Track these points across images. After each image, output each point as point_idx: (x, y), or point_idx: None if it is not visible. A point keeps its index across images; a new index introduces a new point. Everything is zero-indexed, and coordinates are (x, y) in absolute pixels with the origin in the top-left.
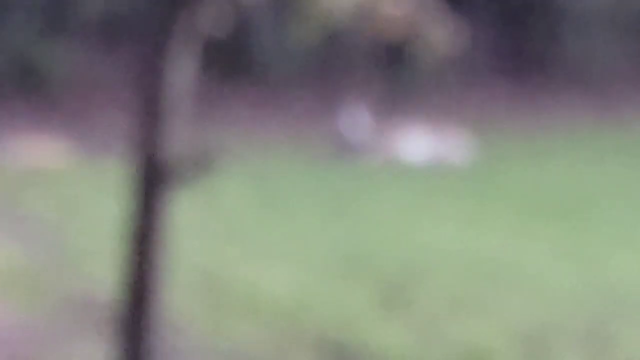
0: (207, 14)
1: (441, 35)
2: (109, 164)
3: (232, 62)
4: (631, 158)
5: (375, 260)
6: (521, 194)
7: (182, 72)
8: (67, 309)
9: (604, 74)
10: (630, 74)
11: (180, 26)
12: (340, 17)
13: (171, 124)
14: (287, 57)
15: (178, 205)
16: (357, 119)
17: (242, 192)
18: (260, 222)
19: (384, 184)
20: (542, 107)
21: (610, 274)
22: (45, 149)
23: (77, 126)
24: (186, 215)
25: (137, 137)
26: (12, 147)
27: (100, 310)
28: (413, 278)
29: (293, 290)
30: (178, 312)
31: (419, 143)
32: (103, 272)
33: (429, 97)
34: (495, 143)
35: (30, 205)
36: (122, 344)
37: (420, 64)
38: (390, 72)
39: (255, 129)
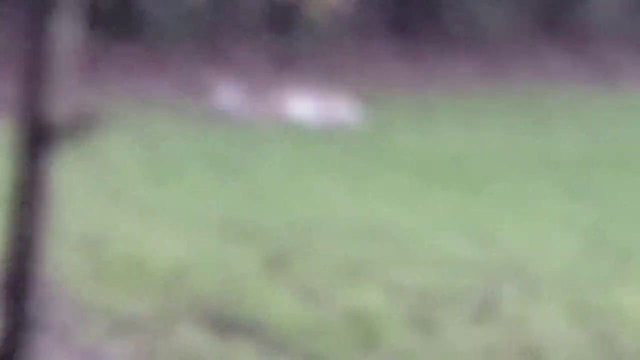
0: None
1: None
2: None
3: (119, 22)
4: (521, 119)
5: (263, 222)
6: (411, 159)
7: (67, 31)
8: None
9: (492, 35)
10: (517, 34)
11: None
12: None
13: (54, 85)
14: (175, 17)
15: (62, 166)
16: (237, 80)
17: (127, 153)
18: (145, 184)
19: (272, 146)
20: (432, 68)
21: (502, 241)
22: None
23: None
24: (70, 176)
25: (20, 98)
26: None
27: None
28: (301, 241)
29: (177, 252)
30: (61, 273)
31: (307, 105)
32: None
33: (320, 59)
34: (386, 106)
35: None
36: (6, 305)
37: (311, 24)
38: (280, 33)
39: (141, 90)
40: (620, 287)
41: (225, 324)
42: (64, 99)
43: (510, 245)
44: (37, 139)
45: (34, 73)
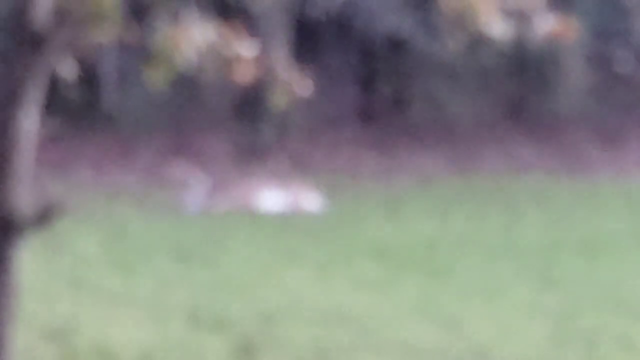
0: (57, 59)
1: (293, 80)
2: None
3: (88, 114)
4: (489, 207)
5: (230, 311)
6: (378, 246)
7: (33, 123)
8: None
9: (460, 124)
10: (485, 123)
11: (30, 71)
12: (189, 59)
13: (20, 176)
14: (142, 109)
15: (23, 256)
16: (204, 171)
17: (89, 242)
18: (108, 273)
19: (238, 237)
20: (400, 157)
21: (468, 328)
22: None
23: None
24: (37, 265)
25: None
26: None
27: None
28: (268, 330)
29: (145, 341)
30: None
31: (274, 195)
32: None
33: (286, 148)
34: (354, 195)
35: None
36: None
37: (277, 114)
38: (247, 123)
39: (102, 177)
40: None
41: None
42: (25, 188)
43: (477, 332)
44: (2, 229)
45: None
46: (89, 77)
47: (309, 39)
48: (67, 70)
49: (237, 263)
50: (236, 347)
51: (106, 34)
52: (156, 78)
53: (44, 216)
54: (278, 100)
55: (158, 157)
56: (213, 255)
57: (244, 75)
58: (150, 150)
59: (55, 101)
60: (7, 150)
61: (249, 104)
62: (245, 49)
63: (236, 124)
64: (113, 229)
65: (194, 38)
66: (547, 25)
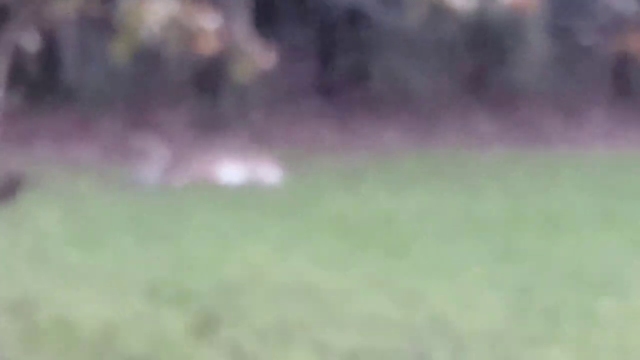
0: (19, 33)
1: (255, 52)
2: None
3: (46, 87)
4: (449, 182)
5: (190, 285)
6: (337, 220)
7: None
8: None
9: (419, 98)
10: (445, 97)
11: None
12: (152, 32)
13: None
14: (101, 82)
15: None
16: (164, 145)
17: (49, 217)
18: (69, 248)
19: (197, 210)
20: (360, 131)
21: (429, 302)
22: None
23: None
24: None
25: None
26: None
27: None
28: (225, 302)
29: (102, 316)
30: None
31: (233, 169)
32: None
33: (246, 121)
34: (313, 169)
35: None
36: None
37: (238, 86)
38: (207, 95)
39: (63, 152)
40: (548, 346)
41: None
42: None
43: (437, 305)
44: None
45: None
46: (49, 51)
47: (268, 12)
48: (29, 43)
49: (197, 237)
50: (197, 320)
51: (68, 8)
52: (120, 52)
53: (6, 191)
54: (240, 72)
55: (119, 131)
56: (173, 229)
57: (206, 47)
58: (111, 124)
59: (16, 75)
60: None
61: (210, 78)
62: (207, 21)
63: (197, 97)
64: (73, 203)
65: (157, 11)
66: None
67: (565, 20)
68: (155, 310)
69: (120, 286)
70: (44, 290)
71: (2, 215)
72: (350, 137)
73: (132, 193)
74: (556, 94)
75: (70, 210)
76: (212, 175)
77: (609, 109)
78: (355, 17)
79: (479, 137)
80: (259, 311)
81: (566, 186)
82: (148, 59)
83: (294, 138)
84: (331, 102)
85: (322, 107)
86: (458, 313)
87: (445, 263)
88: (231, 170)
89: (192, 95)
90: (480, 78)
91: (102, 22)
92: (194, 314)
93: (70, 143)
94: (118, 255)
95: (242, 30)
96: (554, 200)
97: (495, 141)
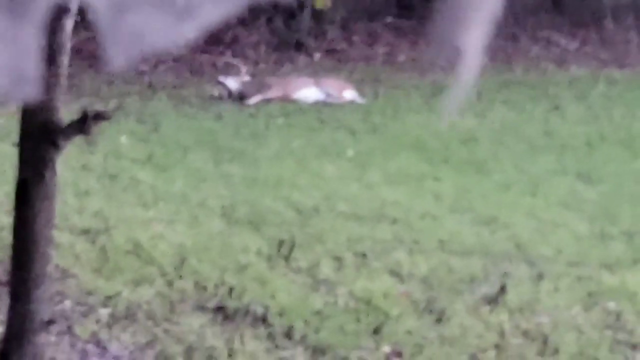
0: None
1: None
2: None
3: None
4: (518, 99)
5: (262, 205)
6: (411, 138)
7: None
8: None
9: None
10: (521, 13)
11: None
12: None
13: (59, 75)
14: None
15: (65, 160)
16: (240, 63)
17: (123, 138)
18: (142, 169)
19: (270, 126)
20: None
21: (505, 224)
22: None
23: None
24: (65, 161)
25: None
26: None
27: None
28: (301, 225)
29: (176, 239)
30: (65, 261)
31: (306, 85)
32: None
33: (319, 38)
34: (386, 84)
35: None
36: (10, 300)
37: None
38: (279, 12)
39: (139, 71)
40: (628, 270)
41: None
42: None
43: (516, 227)
44: (46, 132)
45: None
46: None
47: None
48: None
49: (273, 156)
50: (273, 243)
51: None
52: None
53: (81, 126)
54: (319, 2)
55: (193, 49)
56: (248, 149)
57: None
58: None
59: None
60: (51, 50)
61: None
62: None
63: (273, 16)
64: (147, 123)
65: None
66: None
67: None
68: (229, 232)
69: (193, 209)
70: (118, 213)
71: (86, 142)
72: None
73: (207, 112)
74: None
75: (144, 130)
76: (288, 94)
77: None
78: None
79: (561, 54)
80: (335, 234)
81: None
82: None
83: (371, 56)
84: (409, 19)
85: (399, 25)
86: (537, 235)
87: (524, 182)
88: (308, 88)
89: (269, 14)
90: None
91: None
92: (268, 237)
93: (145, 62)
94: (192, 177)
95: None
96: (635, 121)
97: (578, 59)
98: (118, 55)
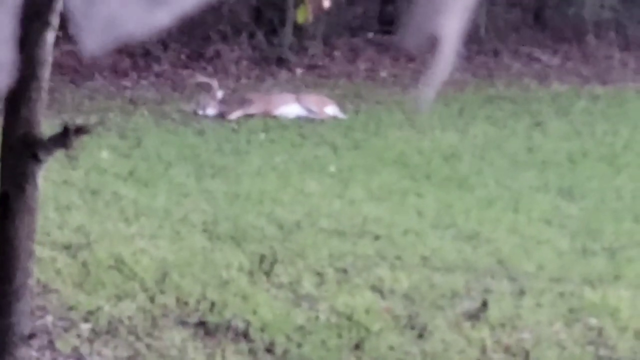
0: None
1: None
2: None
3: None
4: (499, 115)
5: (244, 220)
6: (392, 154)
7: (51, 31)
8: None
9: (479, 28)
10: (503, 28)
11: None
12: None
13: (40, 89)
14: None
15: (46, 174)
16: (222, 79)
17: (105, 153)
18: (124, 184)
19: (252, 142)
20: (414, 62)
21: (488, 240)
22: None
23: None
24: (47, 175)
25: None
26: None
27: None
28: (283, 241)
29: (158, 255)
30: (46, 275)
31: (287, 101)
32: None
33: (300, 54)
34: (367, 100)
35: None
36: None
37: (292, 20)
38: (260, 29)
39: (120, 87)
40: (610, 286)
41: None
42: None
43: (498, 243)
44: (27, 146)
45: (22, 80)
46: None
47: None
48: None
49: (254, 172)
50: (254, 259)
51: None
52: None
53: (61, 140)
54: (301, 17)
55: (175, 65)
56: (230, 164)
57: None
58: (167, 58)
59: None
60: (32, 64)
61: (268, 12)
62: None
63: (255, 31)
64: (129, 138)
65: None
66: None
67: None
68: (211, 248)
69: (176, 223)
70: (100, 228)
71: (63, 157)
72: (410, 71)
73: (189, 128)
74: (622, 27)
75: (126, 146)
76: (270, 110)
77: None
78: None
79: (543, 71)
80: (316, 250)
81: (629, 123)
82: None
83: (353, 71)
84: (390, 35)
85: (380, 41)
86: (519, 251)
87: (507, 198)
88: (289, 104)
89: (250, 29)
90: (544, 9)
91: None
92: (250, 252)
93: (126, 76)
94: (174, 192)
95: None
96: (616, 137)
97: (560, 75)
98: (92, 41)
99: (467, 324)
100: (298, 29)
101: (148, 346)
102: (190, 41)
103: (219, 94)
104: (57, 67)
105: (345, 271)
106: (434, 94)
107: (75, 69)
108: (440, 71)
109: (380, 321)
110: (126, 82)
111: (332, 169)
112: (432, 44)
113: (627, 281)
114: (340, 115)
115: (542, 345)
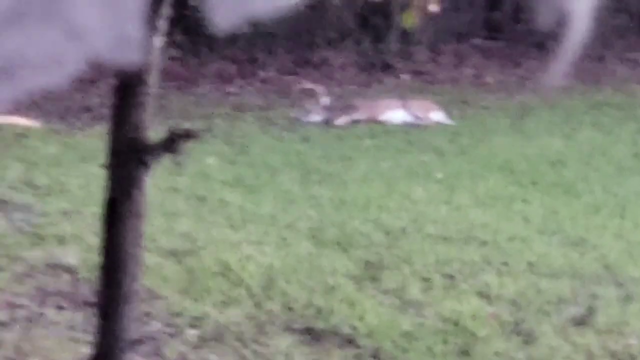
0: None
1: None
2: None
3: (204, 24)
4: (609, 119)
5: (351, 227)
6: (498, 160)
7: (160, 37)
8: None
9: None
10: (606, 33)
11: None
12: None
13: (149, 95)
14: (267, 24)
15: (153, 181)
16: (328, 85)
17: (211, 160)
18: (230, 191)
19: (357, 148)
20: (521, 67)
21: (594, 246)
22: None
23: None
24: (153, 182)
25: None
26: None
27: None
28: (390, 247)
29: (265, 261)
30: (153, 282)
31: (393, 106)
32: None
33: (406, 59)
34: (474, 106)
35: None
36: (100, 313)
37: (398, 25)
38: (366, 35)
39: (226, 93)
40: None
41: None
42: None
43: (605, 250)
44: (135, 150)
45: (130, 85)
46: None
47: None
48: None
49: (361, 178)
50: (361, 265)
51: None
52: None
53: (169, 145)
54: (406, 20)
55: (282, 72)
56: (336, 171)
57: None
58: (273, 64)
59: (177, 18)
60: (142, 70)
61: (374, 18)
62: None
63: (360, 37)
64: (235, 145)
65: None
66: None
67: None
68: (317, 254)
69: (282, 229)
70: (206, 234)
71: (172, 163)
72: (516, 77)
73: (295, 134)
74: None
75: (232, 152)
76: (375, 115)
77: None
78: None
79: None
80: (423, 256)
81: None
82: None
83: (459, 77)
84: (497, 41)
85: (487, 46)
86: (626, 257)
87: (613, 204)
88: (395, 110)
89: (356, 35)
90: None
91: None
92: (356, 258)
93: (232, 82)
94: (280, 198)
95: None
96: None
97: None
98: (222, 18)
99: (573, 330)
100: (404, 35)
101: (254, 352)
102: (296, 47)
103: (325, 100)
104: (163, 73)
105: (451, 277)
106: (565, 68)
107: (181, 75)
108: (570, 46)
109: (486, 327)
110: (231, 89)
111: (439, 175)
112: (564, 19)
113: None
114: (446, 121)
115: None
